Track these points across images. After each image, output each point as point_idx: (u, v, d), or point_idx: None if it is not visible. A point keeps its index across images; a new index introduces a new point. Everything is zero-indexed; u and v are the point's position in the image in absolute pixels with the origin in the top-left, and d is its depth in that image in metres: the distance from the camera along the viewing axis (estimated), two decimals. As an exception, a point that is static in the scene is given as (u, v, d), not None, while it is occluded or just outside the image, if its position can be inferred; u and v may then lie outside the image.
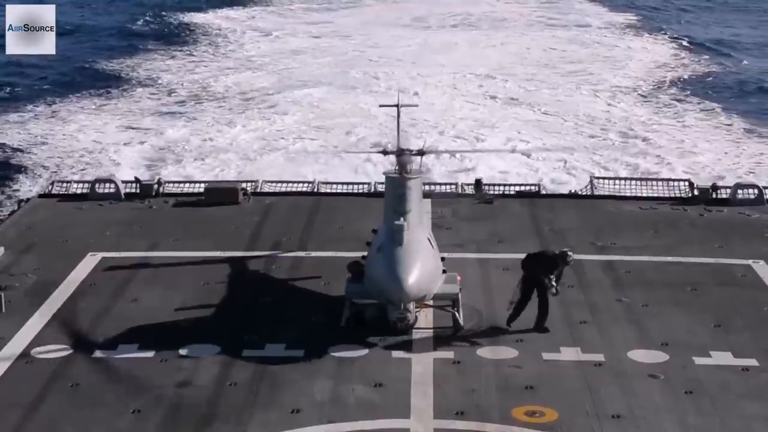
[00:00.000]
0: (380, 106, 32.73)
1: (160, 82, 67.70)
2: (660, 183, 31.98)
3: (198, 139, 53.43)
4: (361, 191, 31.21)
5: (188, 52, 78.35)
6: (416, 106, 37.58)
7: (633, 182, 32.14)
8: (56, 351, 20.19)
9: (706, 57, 76.52)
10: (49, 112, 60.26)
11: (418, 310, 20.89)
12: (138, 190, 30.81)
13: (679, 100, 62.84)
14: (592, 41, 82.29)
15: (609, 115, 58.69)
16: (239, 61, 74.33)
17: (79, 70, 71.54)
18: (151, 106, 61.23)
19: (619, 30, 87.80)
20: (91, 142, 53.32)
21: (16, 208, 31.11)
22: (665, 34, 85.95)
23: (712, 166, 48.29)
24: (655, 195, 30.87)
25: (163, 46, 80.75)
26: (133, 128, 56.22)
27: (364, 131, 53.58)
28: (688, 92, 64.98)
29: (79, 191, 31.14)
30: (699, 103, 61.94)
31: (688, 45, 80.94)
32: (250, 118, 57.57)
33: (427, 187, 25.62)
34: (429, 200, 27.00)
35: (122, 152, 50.83)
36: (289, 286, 23.78)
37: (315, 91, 63.25)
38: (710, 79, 69.62)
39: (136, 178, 31.94)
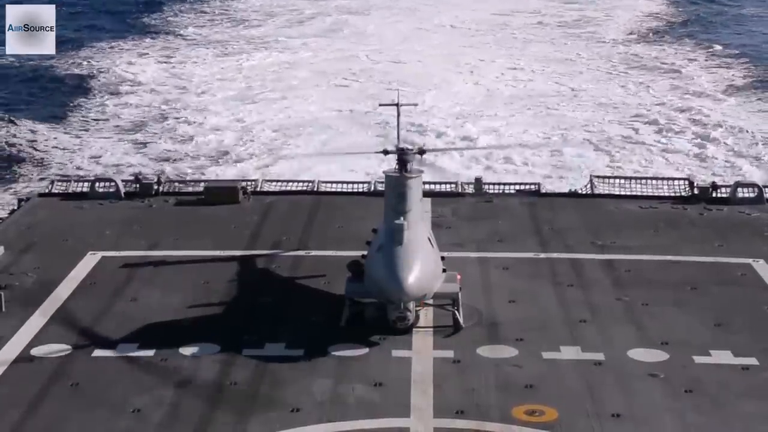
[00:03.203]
0: (380, 105, 32.65)
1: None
2: (660, 182, 31.93)
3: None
4: (361, 190, 31.19)
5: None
6: (416, 105, 37.51)
7: (633, 181, 32.10)
8: (56, 351, 20.19)
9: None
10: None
11: (418, 309, 20.90)
12: (138, 189, 30.81)
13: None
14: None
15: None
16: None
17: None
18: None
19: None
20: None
21: (16, 207, 31.08)
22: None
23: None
24: (655, 194, 30.85)
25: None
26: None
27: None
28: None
29: (79, 190, 31.13)
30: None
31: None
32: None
33: (427, 186, 25.59)
34: (429, 199, 26.98)
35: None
36: (289, 286, 23.77)
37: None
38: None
39: (136, 176, 31.90)
